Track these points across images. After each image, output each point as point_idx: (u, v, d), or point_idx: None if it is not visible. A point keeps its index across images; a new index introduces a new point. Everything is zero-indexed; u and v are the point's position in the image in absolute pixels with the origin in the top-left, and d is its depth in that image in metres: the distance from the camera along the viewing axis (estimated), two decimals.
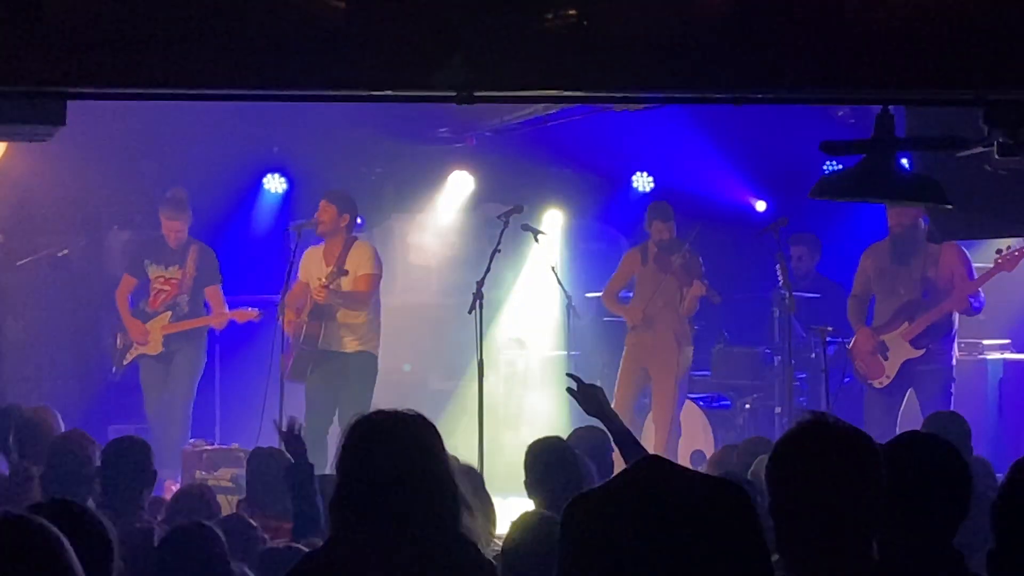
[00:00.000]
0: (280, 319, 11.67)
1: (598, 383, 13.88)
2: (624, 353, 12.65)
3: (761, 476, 5.41)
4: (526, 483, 7.01)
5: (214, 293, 12.64)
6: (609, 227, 15.16)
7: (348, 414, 11.25)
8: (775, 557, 3.45)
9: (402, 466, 3.86)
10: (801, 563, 3.34)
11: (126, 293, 12.67)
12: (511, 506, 7.21)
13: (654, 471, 2.27)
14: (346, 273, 11.41)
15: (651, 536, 2.16)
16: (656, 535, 2.16)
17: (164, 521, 7.03)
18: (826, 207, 13.02)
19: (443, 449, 3.98)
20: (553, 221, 14.62)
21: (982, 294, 11.33)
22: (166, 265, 12.53)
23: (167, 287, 12.54)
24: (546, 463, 6.98)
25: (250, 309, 12.41)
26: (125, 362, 12.73)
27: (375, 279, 11.65)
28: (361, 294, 11.57)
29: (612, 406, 12.24)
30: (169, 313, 12.53)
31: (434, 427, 4.02)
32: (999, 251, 11.15)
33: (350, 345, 11.63)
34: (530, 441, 7.29)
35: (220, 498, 9.53)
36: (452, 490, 3.92)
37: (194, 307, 12.56)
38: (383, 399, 12.70)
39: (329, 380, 11.56)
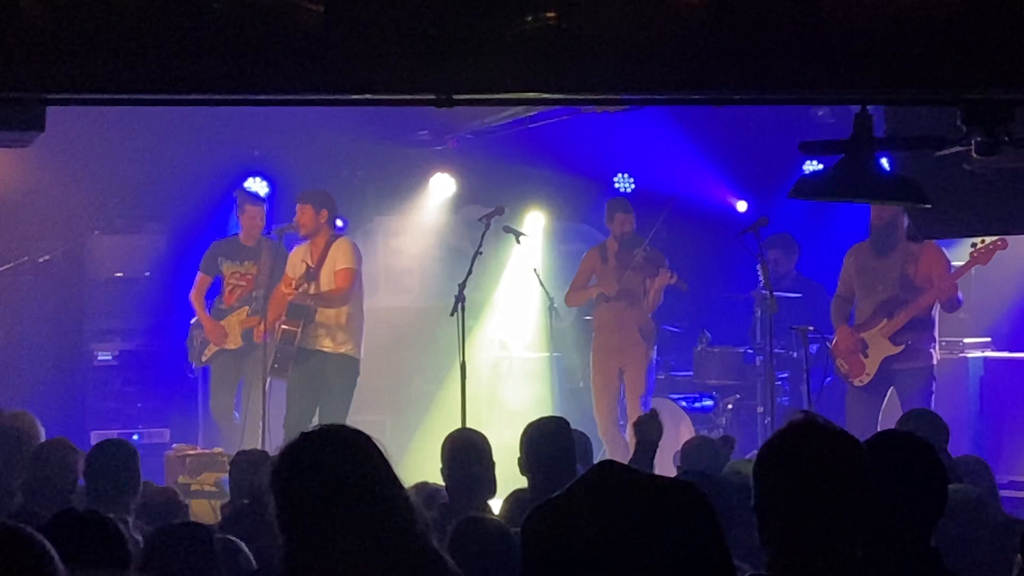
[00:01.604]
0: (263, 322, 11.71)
1: (580, 384, 14.02)
2: (592, 356, 12.71)
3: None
4: (520, 461, 7.11)
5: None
6: (591, 228, 15.16)
7: (327, 416, 11.40)
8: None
9: (348, 483, 3.84)
10: (785, 562, 3.35)
11: (201, 292, 12.71)
12: (495, 507, 7.24)
13: (608, 477, 2.27)
14: (315, 277, 11.42)
15: (608, 542, 2.16)
16: (612, 541, 2.16)
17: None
18: (808, 207, 13.07)
19: (380, 456, 3.94)
20: (534, 223, 14.63)
21: (960, 293, 11.36)
22: (240, 261, 12.62)
23: (242, 283, 12.66)
24: (542, 443, 7.07)
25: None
26: (204, 359, 12.81)
27: (353, 273, 11.65)
28: (339, 290, 11.59)
29: (596, 413, 12.44)
30: (247, 308, 12.61)
31: (371, 440, 3.98)
32: (974, 244, 11.22)
33: (328, 344, 11.64)
34: (513, 443, 7.35)
35: (203, 503, 9.57)
36: (400, 495, 3.91)
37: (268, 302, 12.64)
38: (367, 400, 12.72)
39: (309, 379, 11.59)
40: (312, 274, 11.43)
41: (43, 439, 8.53)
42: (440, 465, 7.18)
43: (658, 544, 2.17)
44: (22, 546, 2.42)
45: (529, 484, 7.13)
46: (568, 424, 7.39)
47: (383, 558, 3.79)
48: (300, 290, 11.44)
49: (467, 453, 7.07)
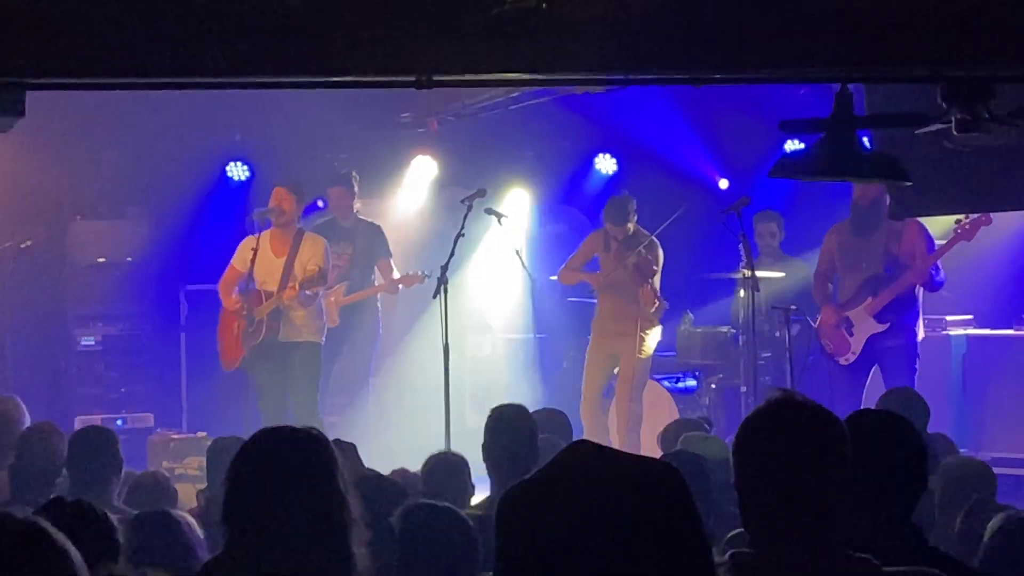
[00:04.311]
0: (242, 308, 11.70)
1: (564, 366, 14.00)
2: (590, 341, 12.67)
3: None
4: (483, 446, 7.15)
5: (385, 265, 12.99)
6: (573, 209, 15.17)
7: (300, 403, 11.42)
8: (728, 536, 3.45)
9: (290, 485, 3.96)
10: (765, 539, 3.36)
11: None
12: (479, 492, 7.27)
13: (582, 456, 2.26)
14: (324, 281, 11.42)
15: (581, 522, 2.15)
16: (586, 520, 2.15)
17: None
18: (789, 186, 13.08)
19: (334, 469, 4.04)
20: (516, 204, 14.61)
21: (942, 272, 11.37)
22: (337, 241, 12.64)
23: (340, 263, 12.74)
24: (502, 431, 7.10)
25: (419, 273, 12.54)
26: None
27: (327, 273, 11.69)
28: (320, 291, 11.61)
29: (582, 393, 12.39)
30: (343, 286, 12.74)
31: (328, 446, 4.08)
32: (958, 221, 11.21)
33: (301, 336, 11.64)
34: None
35: (188, 487, 9.57)
36: (340, 511, 4.01)
37: (365, 281, 12.88)
38: (349, 383, 12.71)
39: (278, 370, 11.56)
40: (323, 278, 11.40)
41: (28, 423, 8.55)
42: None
43: (633, 523, 2.16)
44: (43, 544, 2.37)
45: (488, 470, 7.17)
46: (525, 412, 7.41)
47: (305, 560, 3.88)
48: (311, 292, 11.42)
49: (445, 475, 7.11)
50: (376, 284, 12.97)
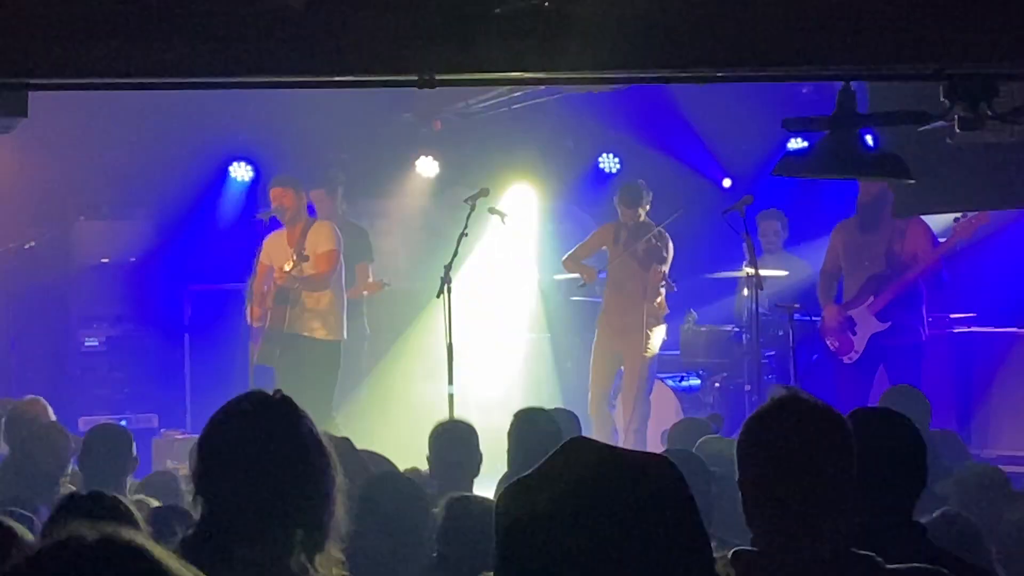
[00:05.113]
0: (248, 307, 11.70)
1: (568, 365, 13.98)
2: (596, 337, 12.66)
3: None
4: (508, 450, 7.20)
5: (363, 269, 13.02)
6: (576, 208, 15.16)
7: (312, 401, 11.43)
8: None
9: (260, 452, 3.88)
10: (771, 537, 3.36)
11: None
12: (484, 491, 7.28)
13: (580, 452, 2.26)
14: (307, 259, 11.43)
15: (580, 517, 2.15)
16: (584, 515, 2.15)
17: None
18: (793, 184, 13.07)
19: (310, 432, 3.95)
20: (520, 203, 14.60)
21: (944, 271, 11.37)
22: None
23: None
24: (526, 432, 7.14)
25: (379, 280, 13.01)
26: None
27: (335, 255, 11.72)
28: (321, 274, 11.61)
29: (589, 391, 12.38)
30: None
31: (297, 410, 4.00)
32: (956, 219, 11.22)
33: (318, 332, 11.66)
34: (499, 425, 7.41)
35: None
36: (319, 478, 3.91)
37: (347, 283, 12.72)
38: (354, 383, 12.71)
39: (297, 364, 11.57)
40: (305, 256, 11.43)
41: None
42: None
43: (630, 518, 2.16)
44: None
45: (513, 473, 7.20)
46: (547, 414, 7.43)
47: (283, 521, 3.79)
48: (294, 273, 11.43)
49: (450, 442, 7.15)
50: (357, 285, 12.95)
